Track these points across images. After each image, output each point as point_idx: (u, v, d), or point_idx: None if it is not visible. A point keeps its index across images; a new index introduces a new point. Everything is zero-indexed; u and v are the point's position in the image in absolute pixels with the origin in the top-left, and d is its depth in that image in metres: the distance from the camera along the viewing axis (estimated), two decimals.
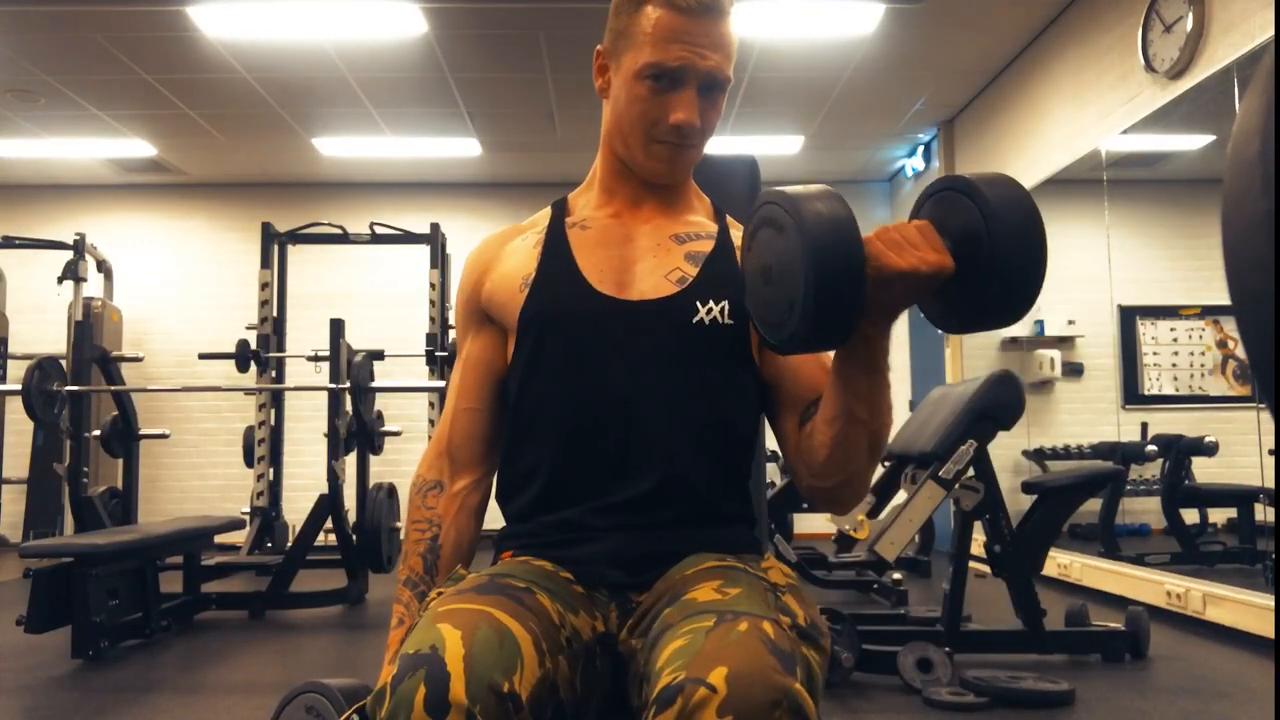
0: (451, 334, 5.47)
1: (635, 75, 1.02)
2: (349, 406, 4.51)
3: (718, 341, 1.03)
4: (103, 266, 6.76)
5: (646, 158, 1.06)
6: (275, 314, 5.29)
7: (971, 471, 2.92)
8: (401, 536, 4.76)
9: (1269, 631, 3.13)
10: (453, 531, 1.07)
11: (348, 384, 4.34)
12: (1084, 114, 4.45)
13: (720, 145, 6.62)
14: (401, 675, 0.76)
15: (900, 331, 7.37)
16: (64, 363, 4.24)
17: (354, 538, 4.33)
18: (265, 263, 5.26)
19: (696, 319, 1.02)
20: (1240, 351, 4.50)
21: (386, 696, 0.76)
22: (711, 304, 1.03)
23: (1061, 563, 4.48)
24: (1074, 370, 5.24)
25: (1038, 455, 5.20)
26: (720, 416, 1.04)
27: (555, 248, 1.08)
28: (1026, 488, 3.22)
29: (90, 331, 4.40)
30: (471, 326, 1.11)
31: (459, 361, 1.12)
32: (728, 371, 1.05)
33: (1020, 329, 5.41)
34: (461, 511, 1.08)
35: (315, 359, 5.29)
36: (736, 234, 1.11)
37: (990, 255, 0.83)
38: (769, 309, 0.89)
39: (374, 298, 6.96)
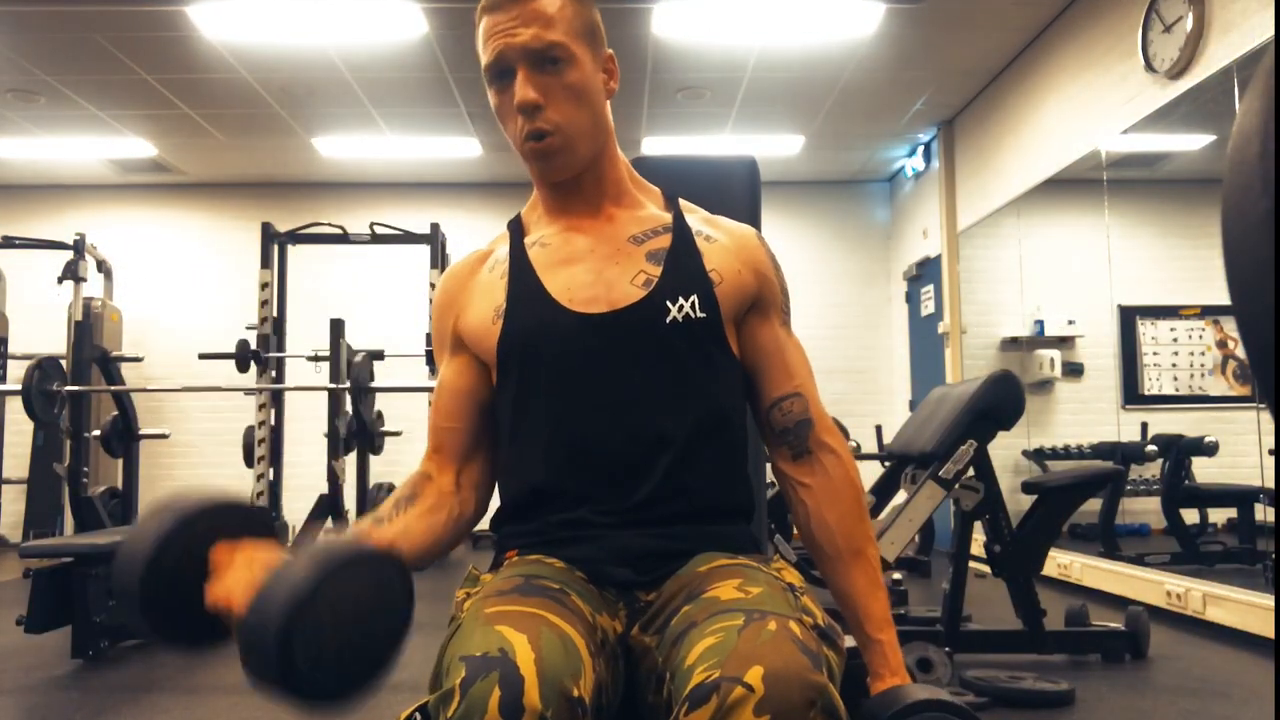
0: None
1: (488, 87, 1.05)
2: (349, 406, 4.51)
3: (694, 337, 1.04)
4: (103, 266, 6.76)
5: (529, 163, 1.07)
6: (275, 314, 5.30)
7: (971, 471, 2.92)
8: None
9: (1269, 631, 3.13)
10: (432, 494, 1.07)
11: (348, 384, 4.34)
12: (1084, 114, 4.45)
13: (720, 145, 6.65)
14: (473, 678, 0.75)
15: (901, 331, 7.40)
16: (64, 363, 4.24)
17: None
18: (265, 263, 5.26)
19: (669, 318, 1.03)
20: (1240, 351, 4.50)
21: (456, 698, 0.74)
22: (681, 300, 1.03)
23: (1061, 563, 4.48)
24: (1074, 370, 5.24)
25: (1038, 455, 5.20)
26: (710, 410, 1.05)
27: (520, 272, 1.09)
28: (1026, 488, 3.22)
29: (90, 331, 4.40)
30: (446, 352, 1.14)
31: (438, 384, 1.15)
32: (709, 364, 1.05)
33: (1020, 329, 5.41)
34: (445, 492, 1.08)
35: (315, 359, 5.29)
36: (692, 218, 1.13)
37: None
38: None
39: (374, 298, 6.96)
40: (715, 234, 1.11)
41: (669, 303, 1.03)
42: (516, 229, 1.15)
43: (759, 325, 1.09)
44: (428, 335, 5.31)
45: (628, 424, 1.02)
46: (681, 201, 1.15)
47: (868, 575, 1.04)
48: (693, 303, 1.03)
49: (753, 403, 1.11)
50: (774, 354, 1.09)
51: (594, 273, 1.06)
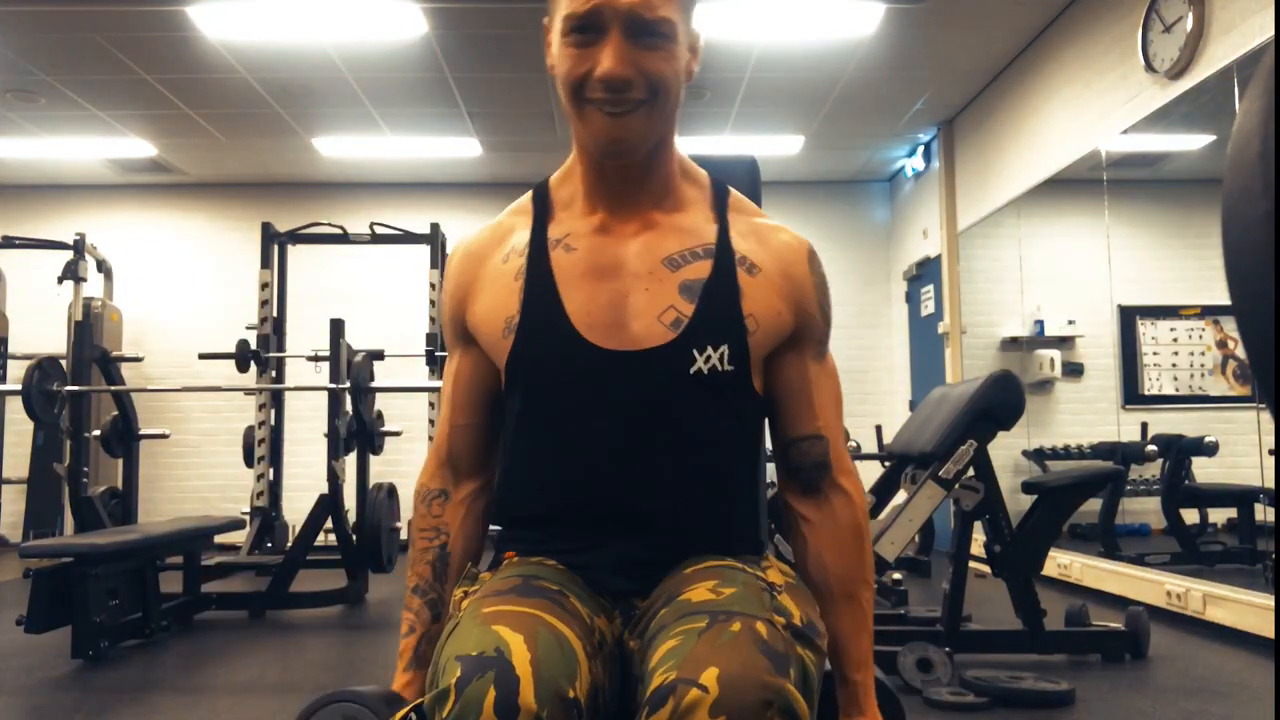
0: None
1: (561, 37, 0.94)
2: (349, 406, 4.51)
3: (718, 391, 0.97)
4: (103, 266, 6.76)
5: (585, 127, 0.95)
6: (275, 314, 5.29)
7: (971, 471, 2.91)
8: (405, 539, 4.77)
9: (1269, 631, 3.13)
10: (460, 538, 1.06)
11: (348, 384, 4.33)
12: (1084, 114, 4.45)
13: (720, 145, 6.65)
14: (468, 677, 0.74)
15: (901, 331, 7.39)
16: (64, 363, 4.23)
17: (354, 538, 4.33)
18: (265, 263, 5.26)
19: (694, 369, 0.96)
20: (1240, 351, 4.50)
21: (451, 697, 0.74)
22: (710, 350, 0.96)
23: (1061, 563, 4.47)
24: (1074, 370, 5.24)
25: (1038, 455, 5.20)
26: (723, 463, 1.01)
27: (538, 280, 0.99)
28: (1026, 488, 3.22)
29: (90, 331, 4.40)
30: (459, 344, 1.07)
31: (449, 375, 1.08)
32: (730, 421, 1.00)
33: (1020, 329, 5.41)
34: (468, 518, 1.07)
35: (315, 359, 5.29)
36: (739, 231, 1.03)
37: None
38: None
39: (374, 298, 6.96)
40: (761, 259, 1.01)
41: (696, 351, 0.96)
42: (541, 207, 1.05)
43: (789, 359, 1.02)
44: (428, 335, 5.31)
45: (633, 471, 0.98)
46: (731, 199, 1.06)
47: (855, 619, 1.01)
48: (722, 354, 0.96)
49: (772, 430, 1.06)
50: (800, 391, 1.02)
51: (620, 295, 0.98)
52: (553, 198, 1.06)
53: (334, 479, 4.33)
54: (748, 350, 0.98)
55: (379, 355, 4.74)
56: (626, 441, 0.97)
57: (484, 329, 1.02)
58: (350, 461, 4.64)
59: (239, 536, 5.14)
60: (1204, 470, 4.43)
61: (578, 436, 0.98)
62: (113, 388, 4.42)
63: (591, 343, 0.97)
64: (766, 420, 1.07)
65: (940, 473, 2.87)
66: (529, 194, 1.08)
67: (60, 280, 4.68)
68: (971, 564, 3.19)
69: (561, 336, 0.97)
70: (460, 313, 1.05)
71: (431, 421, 5.50)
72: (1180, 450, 4.40)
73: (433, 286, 5.35)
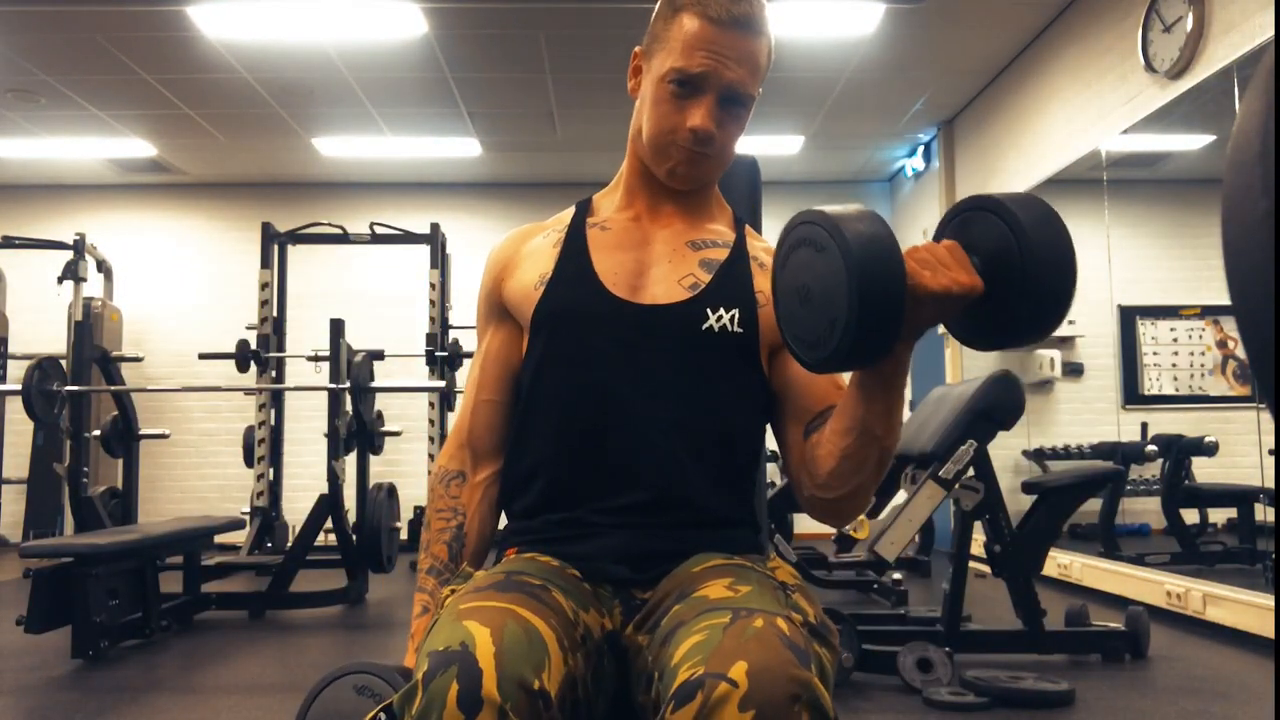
0: (451, 334, 5.47)
1: (661, 79, 1.05)
2: (349, 406, 4.51)
3: (726, 349, 1.04)
4: (103, 266, 6.76)
5: (662, 161, 1.07)
6: (275, 314, 5.29)
7: (971, 471, 2.92)
8: (405, 539, 4.78)
9: (1269, 631, 3.13)
10: (476, 520, 1.09)
11: (348, 384, 4.34)
12: (1084, 114, 4.45)
13: None
14: (433, 672, 0.76)
15: None
16: (64, 363, 4.24)
17: (354, 538, 4.33)
18: (265, 263, 5.26)
19: (705, 325, 1.04)
20: (1240, 351, 4.50)
21: (418, 693, 0.76)
22: (722, 311, 1.04)
23: (1061, 563, 4.47)
24: (1074, 370, 5.24)
25: (1038, 455, 5.20)
26: (725, 428, 1.05)
27: (573, 247, 1.10)
28: (1026, 488, 3.22)
29: (90, 331, 4.40)
30: (491, 321, 1.13)
31: (478, 355, 1.14)
32: (734, 380, 1.05)
33: None
34: (484, 501, 1.10)
35: (315, 359, 5.29)
36: (754, 244, 1.13)
37: (1021, 274, 0.83)
38: (805, 328, 0.88)
39: (374, 298, 6.96)
40: (771, 263, 1.11)
41: (709, 310, 1.04)
42: (584, 207, 1.17)
43: None
44: (428, 335, 5.31)
45: (639, 420, 1.02)
46: (746, 228, 1.17)
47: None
48: (733, 316, 1.04)
49: (786, 419, 1.08)
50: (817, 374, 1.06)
51: (645, 264, 1.09)
52: (595, 204, 1.18)
53: (334, 479, 4.33)
54: (757, 320, 1.05)
55: (379, 355, 4.74)
56: (634, 391, 1.03)
57: (517, 291, 1.10)
58: (350, 461, 4.64)
59: (239, 536, 5.14)
60: (1204, 470, 4.43)
61: (588, 383, 1.04)
62: (113, 388, 4.42)
63: (614, 295, 1.06)
64: (781, 415, 1.09)
65: (940, 473, 2.87)
66: (575, 204, 1.19)
67: (60, 280, 4.68)
68: (971, 564, 3.19)
69: (588, 287, 1.06)
70: (497, 287, 1.13)
71: (431, 421, 5.50)
72: (1180, 450, 4.41)
73: (433, 286, 5.35)
